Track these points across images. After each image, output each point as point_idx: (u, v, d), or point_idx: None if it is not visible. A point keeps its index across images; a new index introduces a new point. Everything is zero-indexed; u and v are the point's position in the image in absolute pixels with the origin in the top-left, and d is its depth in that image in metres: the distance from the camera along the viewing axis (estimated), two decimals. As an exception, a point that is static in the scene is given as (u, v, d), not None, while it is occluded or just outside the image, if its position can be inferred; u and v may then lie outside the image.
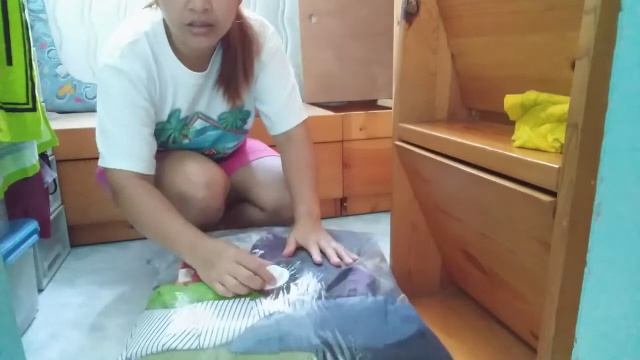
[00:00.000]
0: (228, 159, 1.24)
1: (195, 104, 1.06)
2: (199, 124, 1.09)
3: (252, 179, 1.18)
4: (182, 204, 0.98)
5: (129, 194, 0.91)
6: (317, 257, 0.89)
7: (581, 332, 0.54)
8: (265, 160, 1.21)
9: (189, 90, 1.03)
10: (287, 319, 0.71)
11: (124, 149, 0.93)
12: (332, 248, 0.91)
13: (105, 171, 0.95)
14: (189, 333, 0.68)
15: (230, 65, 1.02)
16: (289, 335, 0.67)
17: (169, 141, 1.09)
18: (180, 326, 0.70)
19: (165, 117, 1.04)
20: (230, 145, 1.20)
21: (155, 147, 0.99)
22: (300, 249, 0.93)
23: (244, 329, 0.69)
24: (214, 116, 1.10)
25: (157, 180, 1.00)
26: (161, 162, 1.02)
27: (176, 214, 0.89)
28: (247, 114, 1.15)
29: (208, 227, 1.05)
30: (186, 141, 1.11)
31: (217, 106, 1.09)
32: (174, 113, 1.04)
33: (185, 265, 0.88)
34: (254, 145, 1.30)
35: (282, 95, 1.09)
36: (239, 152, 1.27)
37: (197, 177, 1.01)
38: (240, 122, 1.15)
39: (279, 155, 1.19)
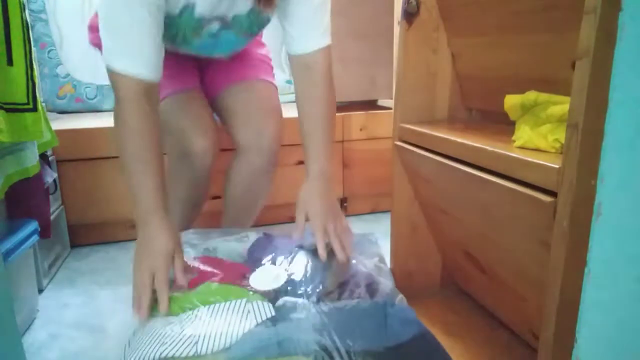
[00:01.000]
0: (224, 65, 1.21)
1: (218, 5, 0.97)
2: (214, 27, 1.01)
3: (235, 105, 1.16)
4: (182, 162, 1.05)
5: (125, 115, 0.85)
6: (323, 252, 0.87)
7: (581, 332, 0.54)
8: (253, 86, 1.17)
9: None
10: (285, 324, 0.70)
11: (132, 47, 0.84)
12: (338, 239, 0.89)
13: (108, 71, 0.87)
14: (186, 340, 0.68)
15: None
16: (287, 340, 0.67)
17: (178, 37, 1.00)
18: (178, 333, 0.70)
19: (176, 11, 0.94)
20: (239, 49, 1.16)
21: (163, 52, 0.90)
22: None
23: (241, 334, 0.68)
24: (230, 15, 1.01)
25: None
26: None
27: (153, 170, 0.85)
28: (266, 20, 1.07)
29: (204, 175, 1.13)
30: (197, 41, 1.03)
31: (237, 6, 1.00)
32: (186, 8, 0.94)
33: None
34: (255, 53, 1.25)
35: (308, 6, 0.97)
36: (240, 57, 1.23)
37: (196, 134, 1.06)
38: (255, 27, 1.08)
39: (270, 80, 1.19)
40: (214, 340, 0.68)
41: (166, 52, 0.99)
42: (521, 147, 0.70)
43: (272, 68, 1.30)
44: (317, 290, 0.78)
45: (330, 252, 0.90)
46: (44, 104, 1.53)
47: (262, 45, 1.33)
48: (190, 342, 0.67)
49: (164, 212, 0.85)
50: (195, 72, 1.23)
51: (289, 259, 0.89)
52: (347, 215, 1.84)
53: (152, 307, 0.76)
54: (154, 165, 0.85)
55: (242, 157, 1.17)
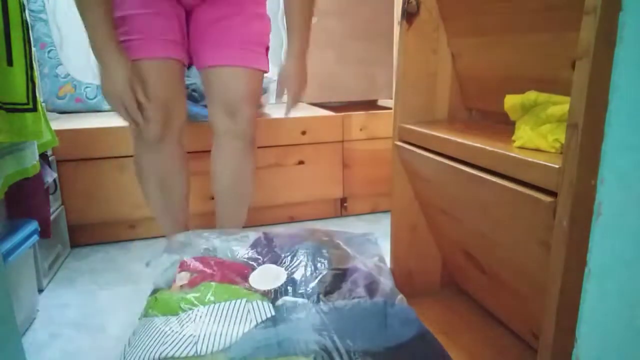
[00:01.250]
0: (214, 33, 1.18)
1: None
2: None
3: (215, 89, 1.18)
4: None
5: None
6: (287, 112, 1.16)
7: (581, 332, 0.54)
8: (238, 74, 1.17)
9: None
10: (285, 324, 0.70)
11: None
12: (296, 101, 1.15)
13: None
14: (186, 339, 0.68)
15: None
16: (287, 341, 0.67)
17: None
18: (178, 333, 0.70)
19: None
20: None
21: None
22: (298, 238, 0.97)
23: (241, 334, 0.68)
24: None
25: None
26: None
27: (103, 7, 0.97)
28: None
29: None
30: None
31: None
32: None
33: (183, 269, 0.87)
34: (253, 32, 1.23)
35: None
36: (235, 30, 1.20)
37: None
38: None
39: (258, 67, 1.20)
40: (214, 340, 0.68)
41: None
42: (521, 147, 0.70)
43: (266, 48, 1.25)
44: (317, 289, 0.78)
45: (330, 245, 0.91)
46: (44, 104, 1.54)
47: (264, 18, 1.27)
48: (190, 342, 0.67)
49: (115, 42, 1.00)
50: (178, 29, 1.16)
51: (289, 258, 0.89)
52: (347, 215, 1.84)
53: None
54: (103, 4, 0.97)
55: (220, 142, 1.19)
